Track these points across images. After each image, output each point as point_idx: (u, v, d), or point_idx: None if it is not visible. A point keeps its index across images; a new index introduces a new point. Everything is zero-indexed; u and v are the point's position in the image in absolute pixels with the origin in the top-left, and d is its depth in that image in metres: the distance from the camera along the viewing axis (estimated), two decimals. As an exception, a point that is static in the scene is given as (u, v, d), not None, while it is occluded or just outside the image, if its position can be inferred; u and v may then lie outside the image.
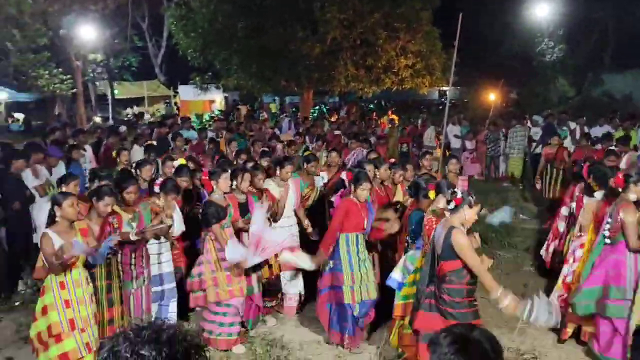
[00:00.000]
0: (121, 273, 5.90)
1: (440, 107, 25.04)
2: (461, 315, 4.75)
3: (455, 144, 16.38)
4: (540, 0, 23.09)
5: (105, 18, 23.14)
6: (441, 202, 5.65)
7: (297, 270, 7.17)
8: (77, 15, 20.49)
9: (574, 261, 6.63)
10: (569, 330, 6.43)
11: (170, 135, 12.26)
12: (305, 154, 9.36)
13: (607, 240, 5.85)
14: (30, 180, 8.19)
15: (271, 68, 19.33)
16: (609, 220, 5.87)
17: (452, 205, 4.94)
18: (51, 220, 5.19)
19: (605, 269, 5.78)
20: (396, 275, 6.10)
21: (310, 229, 7.59)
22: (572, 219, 7.62)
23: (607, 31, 25.91)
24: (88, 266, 5.32)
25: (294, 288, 7.36)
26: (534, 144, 14.80)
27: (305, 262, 6.25)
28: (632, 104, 22.79)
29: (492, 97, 19.66)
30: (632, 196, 5.79)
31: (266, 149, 10.53)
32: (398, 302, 5.90)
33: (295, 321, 7.22)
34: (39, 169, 8.48)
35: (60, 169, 8.84)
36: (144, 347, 1.75)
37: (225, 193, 6.40)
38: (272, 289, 7.25)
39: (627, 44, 24.82)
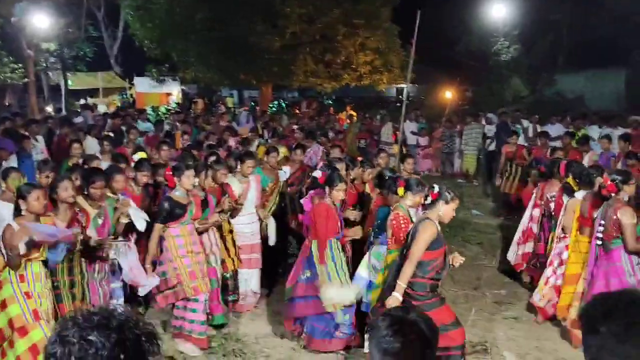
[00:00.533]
0: (84, 267, 5.70)
1: (398, 104, 25.24)
2: (427, 305, 4.72)
3: (412, 140, 16.53)
4: (497, 1, 23.46)
5: (59, 6, 22.55)
6: (409, 199, 5.71)
7: (256, 268, 7.21)
8: (29, 2, 19.96)
9: (560, 264, 6.59)
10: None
11: (124, 128, 12.05)
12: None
13: (599, 242, 5.78)
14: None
15: (230, 61, 19.18)
16: (602, 222, 5.76)
17: (428, 199, 4.95)
18: (16, 213, 4.99)
19: (606, 279, 5.67)
20: (363, 272, 6.06)
21: (267, 220, 7.51)
22: (545, 219, 7.64)
23: (561, 33, 26.48)
24: (46, 265, 5.13)
25: (252, 286, 7.29)
26: (488, 141, 15.07)
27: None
28: (583, 105, 23.37)
29: (448, 94, 19.90)
30: (625, 196, 5.73)
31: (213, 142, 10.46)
32: (372, 304, 5.74)
33: (250, 315, 7.16)
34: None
35: (12, 162, 8.60)
36: (92, 333, 1.68)
37: (187, 190, 6.22)
38: (227, 282, 7.10)
39: (580, 46, 25.41)
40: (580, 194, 6.60)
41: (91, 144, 10.35)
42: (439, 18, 22.91)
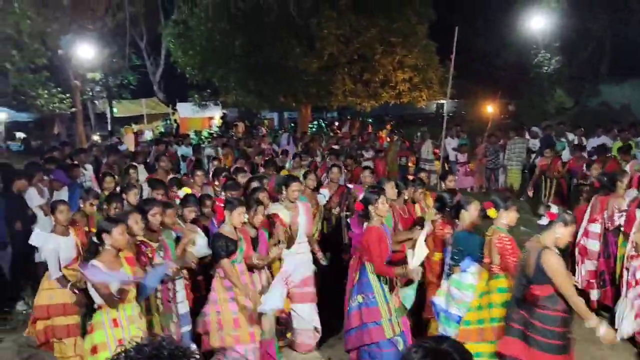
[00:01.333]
0: (160, 307, 5.54)
1: (439, 119, 25.12)
2: (548, 346, 4.39)
3: (453, 157, 16.41)
4: (535, 13, 23.21)
5: (103, 37, 23.26)
6: (503, 218, 5.45)
7: (312, 303, 6.69)
8: (75, 34, 20.60)
9: (637, 283, 6.21)
10: None
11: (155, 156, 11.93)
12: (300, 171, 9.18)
13: None
14: (33, 199, 8.20)
15: (269, 84, 19.40)
16: None
17: (544, 220, 4.58)
18: (94, 250, 4.81)
19: None
20: (440, 301, 5.73)
21: (320, 254, 7.22)
22: (610, 234, 7.27)
23: (603, 42, 26.02)
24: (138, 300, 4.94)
25: (308, 323, 6.69)
26: (533, 156, 14.84)
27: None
28: (630, 114, 22.85)
29: (489, 109, 19.70)
30: None
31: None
32: (461, 327, 5.39)
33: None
34: (43, 188, 8.53)
35: (63, 193, 8.84)
36: None
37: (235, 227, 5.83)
38: (280, 327, 6.47)
39: (623, 55, 24.91)
40: None
41: (140, 171, 10.57)
42: (476, 33, 22.84)
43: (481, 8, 24.93)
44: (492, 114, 19.29)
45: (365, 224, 5.87)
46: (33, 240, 6.17)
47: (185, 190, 7.39)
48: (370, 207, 5.64)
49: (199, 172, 8.79)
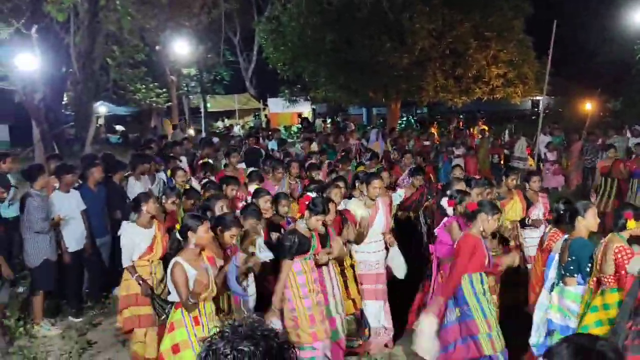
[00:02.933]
0: (232, 305, 5.50)
1: (533, 117, 24.29)
2: None
3: (550, 156, 15.82)
4: (638, 5, 22.03)
5: (198, 33, 23.93)
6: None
7: (381, 300, 6.56)
8: (172, 31, 21.32)
9: None
10: None
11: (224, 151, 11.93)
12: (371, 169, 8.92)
13: None
14: (134, 189, 8.54)
15: (358, 79, 19.40)
16: None
17: None
18: (176, 247, 4.78)
19: None
20: (554, 316, 5.32)
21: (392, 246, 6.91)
22: None
23: None
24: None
25: (377, 322, 6.57)
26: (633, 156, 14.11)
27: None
28: None
29: (588, 106, 18.88)
30: None
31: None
32: None
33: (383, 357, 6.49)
34: (145, 180, 8.90)
35: (162, 178, 9.21)
36: (242, 343, 1.79)
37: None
38: (355, 326, 6.37)
39: None
40: None
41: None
42: (576, 27, 21.95)
43: (581, 2, 23.94)
44: (591, 111, 18.48)
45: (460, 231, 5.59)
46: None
47: (256, 185, 7.44)
48: (482, 216, 5.38)
49: (234, 154, 8.90)
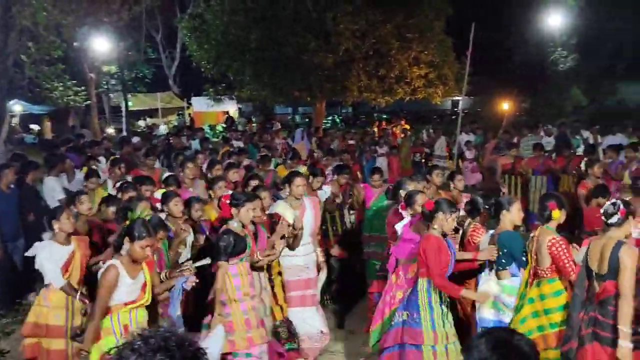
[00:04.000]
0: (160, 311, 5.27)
1: (453, 117, 24.96)
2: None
3: (469, 154, 16.30)
4: (552, 10, 23.02)
5: (119, 30, 23.32)
6: (562, 218, 5.19)
7: (313, 306, 6.37)
8: (90, 27, 20.67)
9: None
10: None
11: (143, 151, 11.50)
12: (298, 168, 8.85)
13: None
14: (52, 190, 8.24)
15: (284, 78, 19.37)
16: None
17: (615, 219, 4.49)
18: (115, 249, 4.47)
19: None
20: (488, 314, 5.28)
21: (335, 250, 7.12)
22: None
23: (621, 40, 25.75)
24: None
25: (312, 327, 6.34)
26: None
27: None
28: (647, 113, 22.62)
29: (505, 106, 19.56)
30: None
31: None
32: None
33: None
34: (63, 179, 8.60)
35: (79, 178, 8.91)
36: (155, 357, 1.71)
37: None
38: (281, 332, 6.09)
39: (641, 53, 24.71)
40: None
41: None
42: (493, 29, 22.67)
43: (498, 4, 24.74)
44: (508, 111, 19.15)
45: (423, 231, 5.40)
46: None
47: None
48: (440, 215, 5.19)
49: (189, 164, 8.29)
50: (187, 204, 6.25)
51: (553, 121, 17.63)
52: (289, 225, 6.01)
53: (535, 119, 19.79)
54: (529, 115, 24.58)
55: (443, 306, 5.20)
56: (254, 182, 7.17)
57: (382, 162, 16.25)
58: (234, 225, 5.39)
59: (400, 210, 6.10)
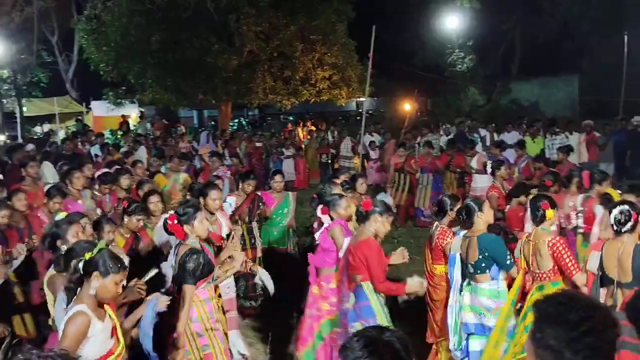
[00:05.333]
0: None
1: (358, 118, 25.41)
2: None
3: (373, 154, 16.63)
4: (450, 13, 23.87)
5: (11, 32, 22.23)
6: (554, 220, 5.23)
7: (235, 329, 5.86)
8: (-20, 29, 19.65)
9: None
10: None
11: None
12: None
13: None
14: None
15: (187, 81, 19.09)
16: None
17: (628, 226, 4.52)
18: (73, 292, 3.72)
19: None
20: (468, 317, 5.11)
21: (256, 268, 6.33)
22: (570, 233, 6.89)
23: (513, 42, 27.09)
24: None
25: (234, 351, 5.74)
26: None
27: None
28: (538, 112, 23.87)
29: (407, 106, 20.10)
30: None
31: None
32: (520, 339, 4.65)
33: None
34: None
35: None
36: None
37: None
38: None
39: (532, 54, 26.08)
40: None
41: (47, 167, 10.15)
42: (394, 32, 23.26)
43: (399, 8, 25.42)
44: (410, 111, 19.68)
45: (362, 234, 5.12)
46: None
47: None
48: (375, 218, 5.03)
49: (76, 174, 7.50)
50: (96, 226, 5.48)
51: (452, 120, 18.27)
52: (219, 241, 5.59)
53: (436, 119, 20.45)
54: (430, 115, 25.39)
55: (385, 308, 5.04)
56: (147, 188, 6.94)
57: (288, 164, 16.36)
58: (191, 242, 4.72)
59: (319, 215, 5.78)
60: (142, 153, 13.66)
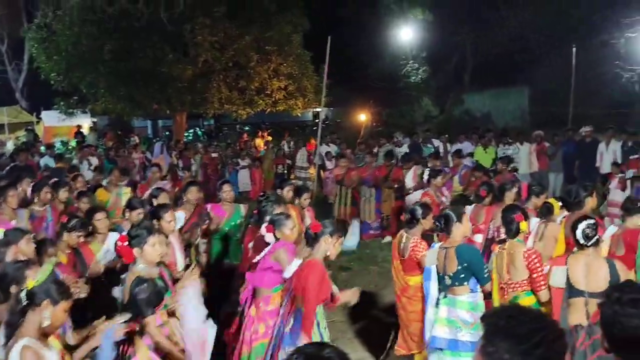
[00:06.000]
0: None
1: (314, 128, 25.52)
2: None
3: (329, 164, 16.68)
4: (404, 25, 24.20)
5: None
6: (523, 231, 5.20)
7: None
8: None
9: None
10: None
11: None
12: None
13: None
14: None
15: (141, 91, 18.84)
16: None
17: (595, 239, 4.67)
18: (16, 322, 3.43)
19: None
20: (441, 331, 4.96)
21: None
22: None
23: (465, 54, 27.61)
24: None
25: None
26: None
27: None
28: (490, 122, 24.35)
29: (362, 117, 20.27)
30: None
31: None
32: None
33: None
34: None
35: None
36: None
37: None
38: None
39: (483, 66, 26.60)
40: (559, 218, 6.33)
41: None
42: (349, 43, 23.44)
43: (353, 19, 25.62)
44: (365, 122, 19.85)
45: (305, 255, 4.91)
46: None
47: None
48: (325, 240, 4.76)
49: (10, 192, 7.08)
50: (38, 249, 5.12)
51: (407, 131, 18.49)
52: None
53: (391, 129, 20.65)
54: (385, 125, 25.63)
55: (326, 331, 4.87)
56: (84, 203, 6.72)
57: (244, 175, 16.29)
58: (140, 268, 4.49)
59: (263, 233, 5.47)
60: (94, 164, 13.47)
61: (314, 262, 4.70)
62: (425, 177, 9.45)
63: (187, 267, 5.68)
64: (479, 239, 7.00)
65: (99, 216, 6.20)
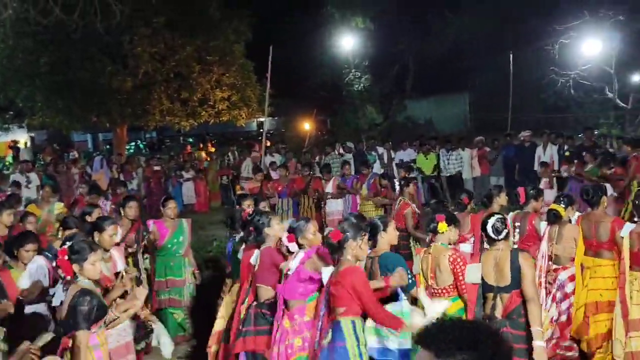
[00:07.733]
0: None
1: (259, 138, 25.44)
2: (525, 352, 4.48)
3: (274, 175, 16.62)
4: (345, 34, 24.38)
5: None
6: (452, 234, 5.25)
7: None
8: None
9: (565, 297, 6.16)
10: None
11: None
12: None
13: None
14: None
15: (79, 103, 18.39)
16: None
17: (504, 234, 4.79)
18: None
19: None
20: (371, 341, 4.71)
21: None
22: None
23: (407, 62, 28.00)
24: None
25: None
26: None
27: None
28: (433, 129, 24.78)
29: (307, 126, 20.29)
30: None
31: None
32: None
33: None
34: None
35: None
36: None
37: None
38: None
39: (425, 73, 27.07)
40: (573, 218, 6.39)
41: None
42: (292, 52, 23.47)
43: (295, 29, 25.68)
44: (310, 131, 19.88)
45: (345, 263, 4.59)
46: None
47: None
48: (350, 245, 4.55)
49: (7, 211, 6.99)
50: None
51: (351, 139, 18.59)
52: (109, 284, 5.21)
53: (335, 138, 20.74)
54: (330, 134, 25.73)
55: (362, 347, 4.55)
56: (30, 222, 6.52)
57: (188, 187, 16.07)
58: (85, 283, 4.35)
59: (286, 244, 5.10)
60: (33, 179, 13.12)
61: (352, 268, 4.50)
62: (397, 186, 9.49)
63: (116, 274, 5.61)
64: (465, 247, 6.84)
65: (29, 247, 5.69)
